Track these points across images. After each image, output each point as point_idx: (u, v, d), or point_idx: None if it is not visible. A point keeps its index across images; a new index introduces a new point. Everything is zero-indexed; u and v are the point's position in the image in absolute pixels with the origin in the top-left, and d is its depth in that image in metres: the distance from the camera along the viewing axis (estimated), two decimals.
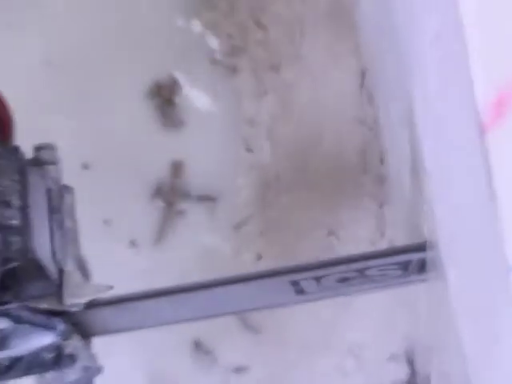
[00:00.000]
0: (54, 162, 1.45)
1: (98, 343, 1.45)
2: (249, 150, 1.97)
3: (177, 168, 2.03)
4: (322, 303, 1.72)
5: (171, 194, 2.02)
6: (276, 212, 1.92)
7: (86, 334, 1.45)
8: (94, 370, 1.48)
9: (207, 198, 1.97)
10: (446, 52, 0.98)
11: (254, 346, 1.89)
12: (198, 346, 1.89)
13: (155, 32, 2.11)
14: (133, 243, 1.98)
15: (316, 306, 1.75)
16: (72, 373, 1.45)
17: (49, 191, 1.44)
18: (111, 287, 1.41)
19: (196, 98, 2.07)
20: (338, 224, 1.88)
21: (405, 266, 1.39)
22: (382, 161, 1.89)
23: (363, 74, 1.94)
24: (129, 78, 2.09)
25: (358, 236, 1.87)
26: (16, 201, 1.37)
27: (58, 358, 1.44)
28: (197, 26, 2.05)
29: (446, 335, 1.38)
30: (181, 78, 2.08)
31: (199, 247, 1.97)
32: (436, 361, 1.69)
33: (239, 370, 1.88)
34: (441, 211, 1.24)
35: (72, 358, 1.43)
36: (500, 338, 0.95)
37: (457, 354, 1.23)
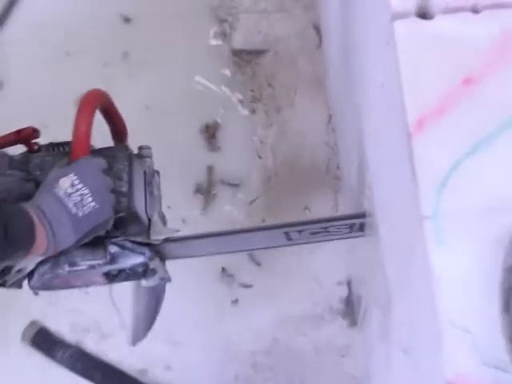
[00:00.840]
0: (149, 156, 1.77)
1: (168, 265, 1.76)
2: (259, 157, 2.48)
3: (210, 170, 2.49)
4: (299, 248, 2.10)
5: (209, 184, 2.49)
6: (274, 195, 2.41)
7: (162, 257, 1.77)
8: (166, 280, 1.81)
9: (232, 185, 2.47)
10: (388, 94, 1.23)
11: (257, 272, 2.36)
12: (223, 271, 2.37)
13: (205, 94, 2.58)
14: (184, 221, 2.40)
15: (295, 250, 2.17)
16: (153, 280, 1.77)
17: (145, 173, 1.73)
18: (178, 230, 1.75)
19: (229, 132, 2.55)
20: (310, 203, 2.37)
21: (351, 226, 1.74)
22: (338, 167, 2.40)
23: (330, 117, 2.45)
24: (189, 121, 2.53)
25: (322, 210, 2.34)
26: (125, 176, 1.64)
27: (145, 271, 1.73)
28: (231, 85, 2.56)
29: (375, 270, 1.66)
30: (220, 120, 2.55)
31: (227, 216, 2.43)
32: (366, 286, 2.04)
33: (247, 286, 2.37)
34: (377, 192, 1.52)
35: (153, 271, 1.73)
36: (413, 264, 1.16)
37: (381, 281, 1.51)
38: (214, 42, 2.61)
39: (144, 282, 1.78)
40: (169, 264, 1.79)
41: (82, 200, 1.51)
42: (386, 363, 1.64)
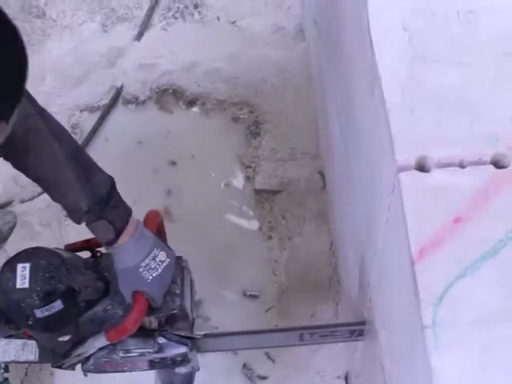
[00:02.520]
0: (189, 271, 1.72)
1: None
2: (274, 274, 2.44)
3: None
4: (306, 348, 2.22)
5: None
6: (286, 305, 2.36)
7: (199, 349, 1.75)
8: (196, 368, 1.77)
9: (253, 296, 2.42)
10: (391, 229, 1.24)
11: (271, 367, 2.31)
12: (244, 366, 2.31)
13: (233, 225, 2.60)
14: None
15: (302, 350, 2.24)
16: (186, 368, 1.74)
17: (191, 280, 1.71)
18: (217, 327, 1.85)
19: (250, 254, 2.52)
20: (316, 311, 2.32)
21: (352, 332, 1.74)
22: (338, 283, 2.36)
23: (331, 243, 2.42)
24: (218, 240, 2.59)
25: (325, 317, 2.30)
26: (179, 281, 1.63)
27: (183, 360, 1.69)
28: (252, 217, 2.57)
29: (371, 367, 1.65)
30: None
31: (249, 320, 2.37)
32: (362, 380, 2.01)
33: (263, 378, 2.32)
34: (378, 304, 1.52)
35: (188, 361, 1.69)
36: (414, 364, 1.13)
37: (379, 377, 1.49)
38: (240, 183, 2.63)
39: (178, 369, 1.75)
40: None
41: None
42: None
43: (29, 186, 2.56)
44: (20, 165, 1.47)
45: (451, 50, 1.23)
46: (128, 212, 1.50)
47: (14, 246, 2.53)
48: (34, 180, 1.51)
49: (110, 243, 1.50)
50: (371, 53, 1.26)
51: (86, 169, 1.46)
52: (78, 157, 1.46)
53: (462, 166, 1.13)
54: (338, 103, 1.92)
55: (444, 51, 1.23)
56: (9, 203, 2.65)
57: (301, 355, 2.30)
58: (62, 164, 1.42)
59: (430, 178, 1.13)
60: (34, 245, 1.51)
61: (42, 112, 1.44)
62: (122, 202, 1.51)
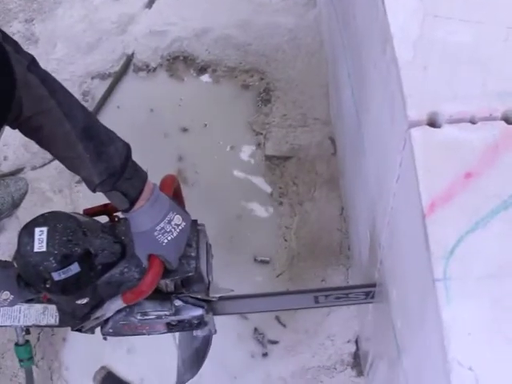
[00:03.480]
0: (206, 235, 1.72)
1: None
2: (285, 240, 2.44)
3: None
4: (317, 313, 2.27)
5: None
6: (297, 270, 2.38)
7: (214, 312, 1.74)
8: (213, 332, 1.77)
9: (263, 262, 2.44)
10: (402, 186, 1.25)
11: (282, 332, 2.32)
12: (255, 330, 2.33)
13: (243, 189, 2.58)
14: None
15: (313, 314, 2.29)
16: (203, 331, 1.75)
17: (207, 243, 1.71)
18: (233, 290, 1.74)
19: (260, 219, 2.53)
20: (326, 276, 2.35)
21: (367, 294, 1.73)
22: (348, 248, 2.38)
23: (342, 209, 2.44)
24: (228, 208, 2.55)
25: (335, 282, 2.33)
26: (194, 244, 1.64)
27: (199, 323, 1.70)
28: (263, 183, 2.57)
29: (382, 329, 1.67)
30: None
31: (260, 285, 2.39)
32: (372, 343, 2.02)
33: (274, 342, 2.32)
34: (389, 264, 1.53)
35: (205, 324, 1.71)
36: (425, 318, 1.14)
37: (390, 337, 1.50)
38: (250, 150, 2.63)
39: (195, 332, 1.75)
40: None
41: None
42: None
43: (40, 152, 2.61)
44: (33, 140, 1.49)
45: (463, 8, 1.23)
46: (143, 179, 1.51)
47: (25, 212, 2.58)
48: (48, 152, 1.53)
49: (124, 210, 1.52)
50: (383, 12, 1.26)
51: (99, 144, 1.46)
52: (90, 134, 1.45)
53: (473, 121, 1.13)
54: (349, 67, 1.92)
55: (455, 9, 1.22)
56: (20, 170, 2.67)
57: (311, 320, 2.33)
58: (75, 142, 1.43)
59: (441, 134, 1.12)
60: (46, 211, 1.51)
61: (54, 93, 1.43)
62: (137, 170, 1.51)
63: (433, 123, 1.14)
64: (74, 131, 1.42)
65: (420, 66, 1.19)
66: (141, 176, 1.51)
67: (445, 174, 1.10)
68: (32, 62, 1.40)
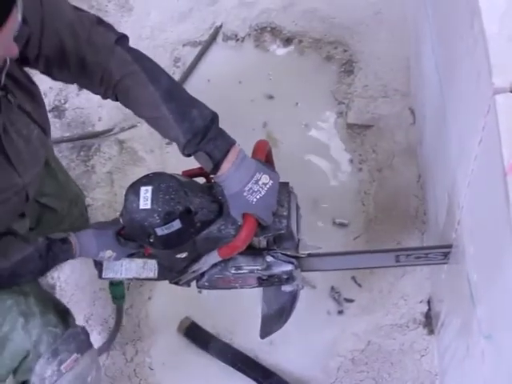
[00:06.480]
0: (296, 196, 1.78)
1: None
2: (363, 204, 2.50)
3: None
4: (392, 274, 2.31)
5: None
6: (374, 233, 2.44)
7: (303, 268, 1.78)
8: (301, 287, 1.82)
9: (342, 225, 2.48)
10: (485, 148, 1.30)
11: (358, 291, 2.37)
12: (332, 289, 2.38)
13: (325, 155, 2.64)
14: None
15: (388, 275, 2.34)
16: (291, 286, 1.79)
17: (296, 205, 1.77)
18: (320, 248, 1.78)
19: (340, 185, 2.57)
20: (402, 240, 2.38)
21: (445, 254, 1.77)
22: (424, 213, 2.41)
23: (419, 176, 2.47)
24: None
25: (411, 244, 2.34)
26: (285, 204, 1.69)
27: (288, 279, 1.74)
28: (344, 149, 2.61)
29: (457, 289, 1.70)
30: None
31: (338, 247, 2.40)
32: (444, 304, 2.04)
33: (350, 300, 2.36)
34: (468, 223, 1.57)
35: (293, 279, 1.75)
36: (502, 268, 1.19)
37: (465, 291, 1.52)
38: (333, 118, 2.69)
39: (284, 287, 1.81)
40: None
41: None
42: (465, 355, 1.66)
43: (131, 114, 2.69)
44: (123, 103, 1.65)
45: None
46: (229, 143, 1.58)
47: (118, 170, 2.71)
48: (139, 117, 1.67)
49: (212, 172, 1.61)
50: None
51: (182, 105, 1.56)
52: (173, 96, 1.56)
53: None
54: (433, 41, 1.98)
55: None
56: (110, 130, 2.78)
57: (386, 281, 2.38)
58: (159, 103, 1.54)
59: None
60: (137, 169, 1.60)
61: (137, 59, 1.58)
62: (222, 134, 1.59)
63: None
64: (157, 93, 1.54)
65: (506, 37, 1.25)
66: (226, 139, 1.59)
67: None
68: (121, 37, 1.60)
